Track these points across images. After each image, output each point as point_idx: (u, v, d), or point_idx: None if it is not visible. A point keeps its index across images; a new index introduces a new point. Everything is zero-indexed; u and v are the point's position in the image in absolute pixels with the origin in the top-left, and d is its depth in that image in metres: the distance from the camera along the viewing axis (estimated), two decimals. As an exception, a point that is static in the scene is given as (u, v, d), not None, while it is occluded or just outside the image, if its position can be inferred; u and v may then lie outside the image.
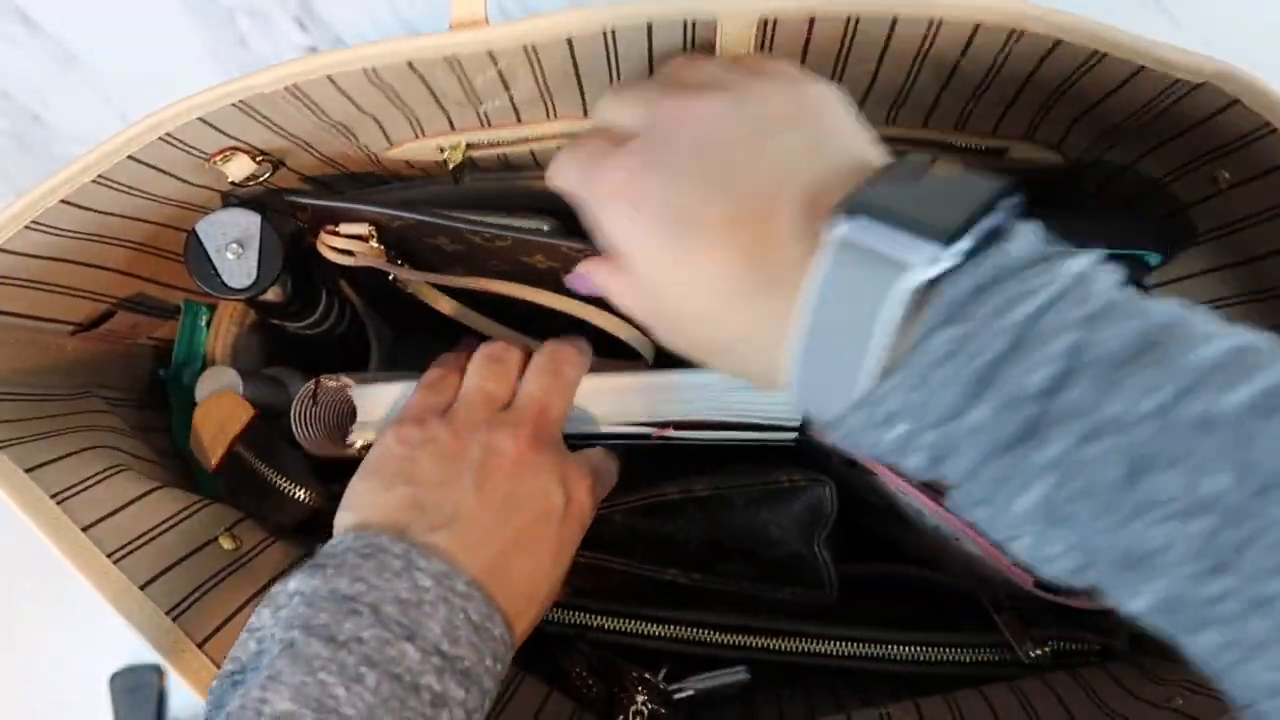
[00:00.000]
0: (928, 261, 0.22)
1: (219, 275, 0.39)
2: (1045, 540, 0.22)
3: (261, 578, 0.38)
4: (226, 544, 0.38)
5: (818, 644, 0.42)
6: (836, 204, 0.23)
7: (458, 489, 0.33)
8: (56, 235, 0.35)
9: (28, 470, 0.33)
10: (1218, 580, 0.20)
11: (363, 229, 0.40)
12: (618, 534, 0.42)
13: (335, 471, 0.39)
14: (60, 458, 0.35)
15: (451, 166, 0.40)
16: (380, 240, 0.41)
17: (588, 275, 0.31)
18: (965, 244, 0.22)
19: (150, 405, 0.45)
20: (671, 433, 0.38)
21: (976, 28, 0.31)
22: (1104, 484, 0.21)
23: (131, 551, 0.34)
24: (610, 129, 0.29)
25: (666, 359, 0.35)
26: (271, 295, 0.41)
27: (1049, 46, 0.31)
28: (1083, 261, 0.22)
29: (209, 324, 0.46)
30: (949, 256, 0.22)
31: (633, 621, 0.43)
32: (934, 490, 0.36)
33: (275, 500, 0.40)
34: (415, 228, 0.39)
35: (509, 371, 0.37)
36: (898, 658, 0.42)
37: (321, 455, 0.40)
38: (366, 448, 0.38)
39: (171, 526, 0.37)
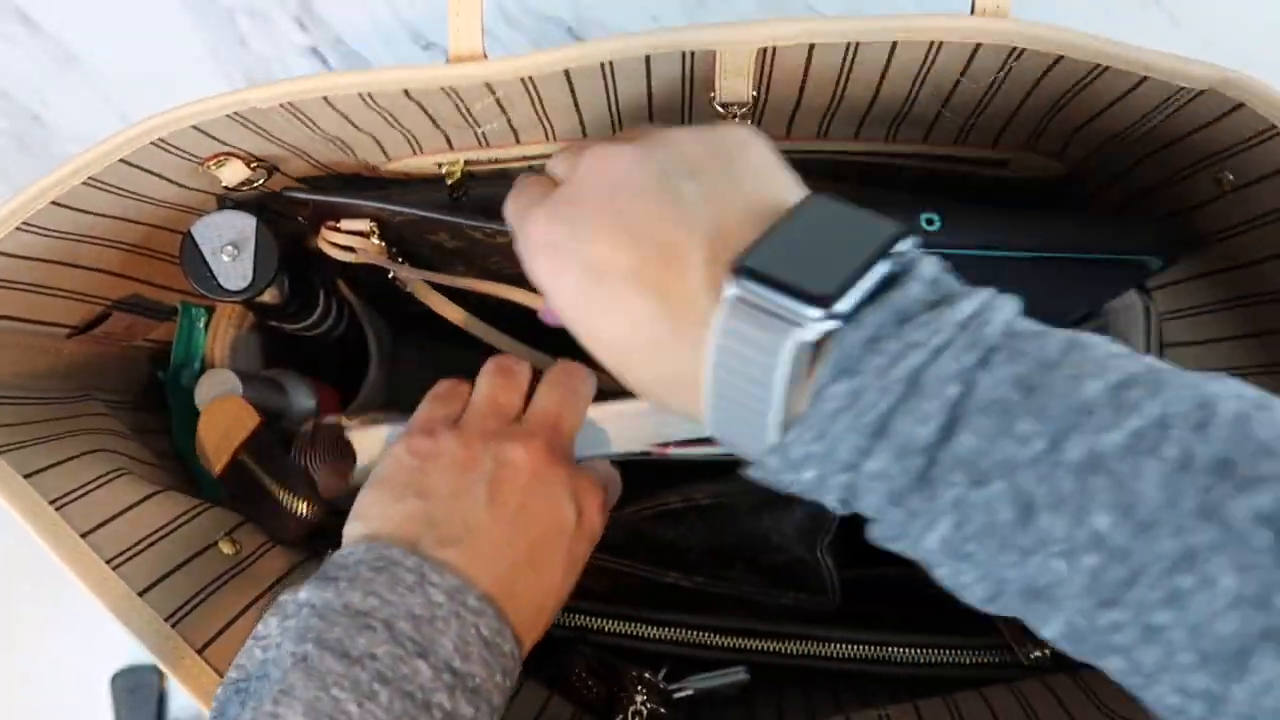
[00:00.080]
0: (816, 319, 0.22)
1: (215, 277, 0.39)
2: (958, 571, 0.23)
3: (262, 583, 0.38)
4: (226, 549, 0.38)
5: (818, 646, 0.42)
6: (730, 260, 0.23)
7: (469, 501, 0.32)
8: (49, 237, 0.35)
9: (26, 476, 0.33)
10: (1109, 613, 0.21)
11: (364, 225, 0.40)
12: (619, 536, 0.42)
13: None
14: (60, 462, 0.35)
15: (450, 183, 0.40)
16: (381, 236, 0.41)
17: (550, 311, 0.31)
18: (853, 299, 0.23)
19: (147, 407, 0.45)
20: (671, 451, 0.38)
21: (977, 48, 0.31)
22: (999, 524, 0.22)
23: (131, 557, 0.34)
24: (549, 177, 0.30)
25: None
26: (268, 297, 0.41)
27: (1050, 62, 0.31)
28: (976, 301, 0.23)
29: (207, 326, 0.46)
30: (836, 312, 0.22)
31: (634, 624, 0.43)
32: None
33: (276, 512, 0.39)
34: (417, 223, 0.39)
35: (519, 384, 0.37)
36: (897, 659, 0.42)
37: (330, 497, 0.40)
38: None
39: (171, 531, 0.37)
